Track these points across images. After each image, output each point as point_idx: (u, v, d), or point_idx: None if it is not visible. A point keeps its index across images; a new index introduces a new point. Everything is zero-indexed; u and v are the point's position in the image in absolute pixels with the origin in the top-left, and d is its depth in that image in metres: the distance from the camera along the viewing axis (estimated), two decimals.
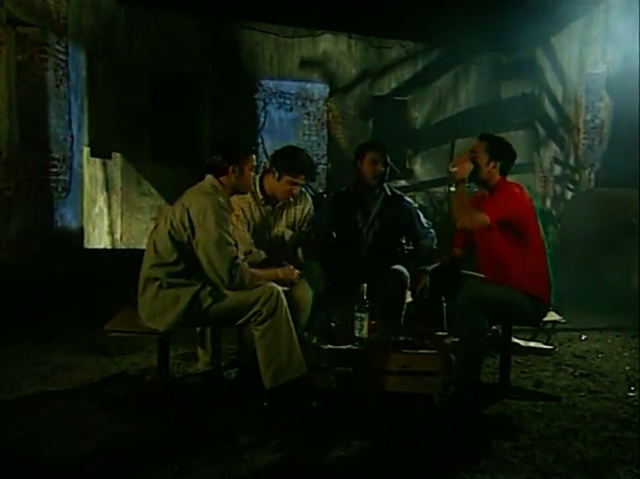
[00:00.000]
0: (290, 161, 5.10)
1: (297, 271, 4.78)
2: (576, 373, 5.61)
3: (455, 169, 4.78)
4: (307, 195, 5.50)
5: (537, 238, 4.83)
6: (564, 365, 5.83)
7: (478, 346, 4.57)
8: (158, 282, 4.36)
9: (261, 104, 13.56)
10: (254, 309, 4.35)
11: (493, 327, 5.51)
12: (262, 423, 4.29)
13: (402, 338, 4.78)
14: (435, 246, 5.81)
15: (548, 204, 13.36)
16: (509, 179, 4.93)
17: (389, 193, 5.83)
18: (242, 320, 4.42)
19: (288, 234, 5.31)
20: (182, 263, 4.37)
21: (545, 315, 4.91)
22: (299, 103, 13.94)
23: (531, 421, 4.49)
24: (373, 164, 5.61)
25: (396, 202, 5.82)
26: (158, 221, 4.65)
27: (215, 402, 4.68)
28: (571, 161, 13.18)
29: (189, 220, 4.35)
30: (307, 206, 5.42)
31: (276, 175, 5.08)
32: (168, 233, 4.37)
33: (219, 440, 4.08)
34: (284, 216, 5.31)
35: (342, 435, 4.15)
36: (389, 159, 5.68)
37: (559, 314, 5.10)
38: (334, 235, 5.82)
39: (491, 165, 4.82)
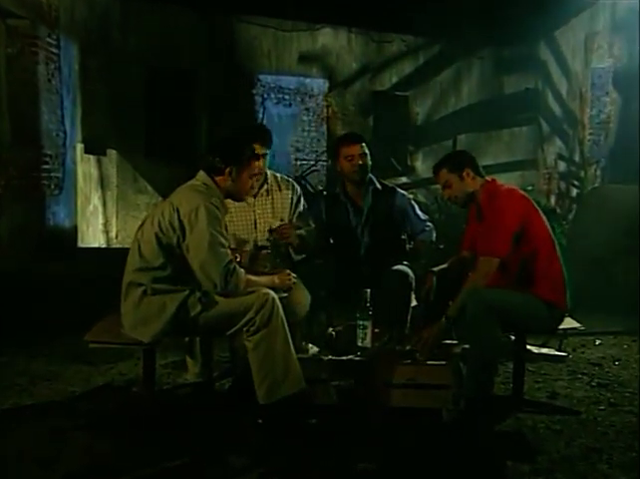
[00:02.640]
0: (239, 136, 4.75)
1: (294, 276, 4.43)
2: (593, 383, 5.26)
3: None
4: (294, 183, 5.22)
5: (548, 239, 4.48)
6: (580, 374, 5.49)
7: (491, 357, 4.22)
8: (142, 288, 4.00)
9: (259, 99, 13.30)
10: (247, 317, 3.99)
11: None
12: (256, 443, 3.94)
13: (408, 348, 4.42)
14: (434, 239, 5.48)
15: (553, 201, 13.11)
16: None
17: (378, 186, 5.45)
18: (234, 330, 4.06)
19: (275, 224, 4.96)
20: (169, 268, 4.02)
21: (562, 322, 4.56)
22: (298, 98, 13.69)
23: (550, 439, 4.12)
24: (349, 159, 5.25)
25: (387, 195, 5.45)
26: (143, 221, 4.28)
27: (206, 419, 4.32)
28: (576, 157, 13.01)
29: (179, 220, 4.00)
30: (294, 194, 5.13)
31: None
32: (155, 234, 4.02)
33: (209, 463, 3.74)
34: (269, 206, 5.01)
35: (343, 456, 3.82)
36: (366, 149, 5.28)
37: (577, 321, 4.75)
38: (330, 240, 5.46)
39: (465, 173, 4.58)
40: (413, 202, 5.55)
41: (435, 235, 5.48)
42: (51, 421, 4.24)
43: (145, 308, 4.00)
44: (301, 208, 5.16)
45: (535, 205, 4.56)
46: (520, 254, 4.38)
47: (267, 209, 5.01)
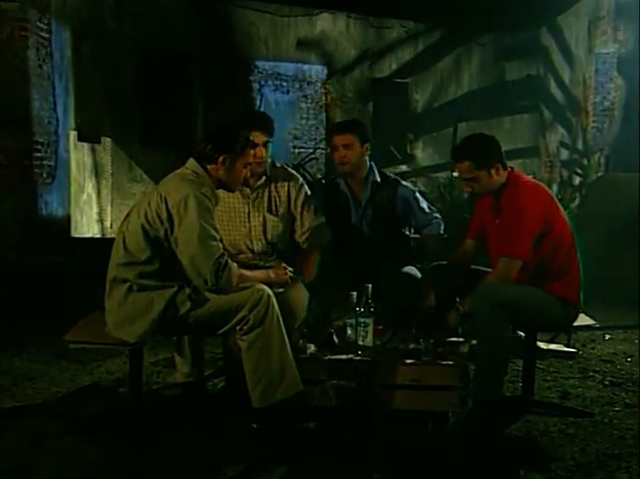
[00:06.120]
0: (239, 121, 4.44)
1: (290, 270, 4.17)
2: (606, 381, 5.03)
3: None
4: (295, 175, 4.80)
5: (568, 236, 4.24)
6: (591, 372, 5.26)
7: (500, 356, 3.98)
8: (127, 284, 3.76)
9: (257, 86, 13.08)
10: (240, 315, 3.75)
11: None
12: (251, 450, 3.71)
13: (412, 346, 4.17)
14: (442, 233, 5.16)
15: (555, 189, 12.90)
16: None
17: (377, 179, 5.14)
18: (226, 328, 3.82)
19: (270, 220, 4.63)
20: (157, 263, 3.77)
21: (576, 318, 4.32)
22: (296, 85, 13.48)
23: (563, 444, 3.88)
24: (334, 149, 4.97)
25: (388, 188, 5.13)
26: (129, 212, 4.02)
27: (197, 423, 4.08)
28: (579, 145, 12.84)
29: (168, 211, 3.75)
30: (293, 187, 4.70)
31: None
32: (141, 226, 3.77)
33: (200, 473, 3.51)
34: (265, 199, 4.66)
35: (343, 463, 3.59)
36: (356, 140, 4.92)
37: (591, 317, 4.51)
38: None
39: (494, 171, 4.25)
40: (418, 194, 5.23)
41: (443, 227, 5.17)
42: (32, 425, 3.99)
43: (130, 306, 3.76)
44: (303, 200, 4.72)
45: (557, 200, 4.30)
46: (539, 252, 4.13)
47: (263, 202, 4.69)
